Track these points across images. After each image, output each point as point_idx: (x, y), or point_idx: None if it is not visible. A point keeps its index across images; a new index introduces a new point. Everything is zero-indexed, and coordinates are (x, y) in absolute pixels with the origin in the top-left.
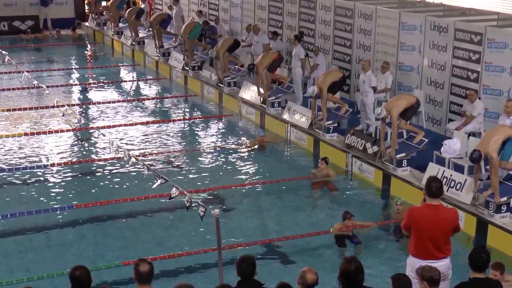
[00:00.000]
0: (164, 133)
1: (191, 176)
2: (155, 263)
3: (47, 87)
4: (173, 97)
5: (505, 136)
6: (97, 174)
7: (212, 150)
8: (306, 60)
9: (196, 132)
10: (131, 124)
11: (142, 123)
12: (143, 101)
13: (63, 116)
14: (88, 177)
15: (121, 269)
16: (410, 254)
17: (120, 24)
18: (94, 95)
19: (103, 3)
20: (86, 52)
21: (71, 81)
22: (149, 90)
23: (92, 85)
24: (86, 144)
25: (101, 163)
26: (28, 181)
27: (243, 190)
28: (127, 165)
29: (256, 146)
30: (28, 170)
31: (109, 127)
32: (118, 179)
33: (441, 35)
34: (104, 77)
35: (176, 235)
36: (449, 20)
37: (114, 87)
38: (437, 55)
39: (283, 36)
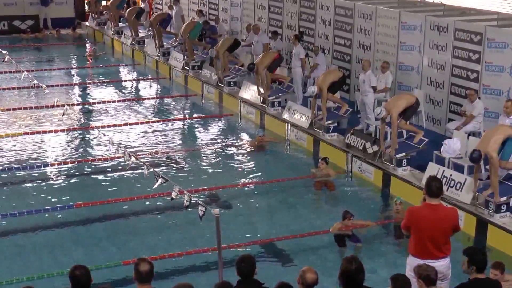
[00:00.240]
0: (164, 133)
1: (191, 175)
2: (155, 262)
3: (47, 86)
4: (173, 97)
5: (505, 136)
6: (97, 173)
7: (212, 150)
8: (306, 60)
9: (196, 131)
10: (131, 124)
11: (142, 123)
12: (143, 101)
13: (63, 115)
14: (88, 177)
15: (121, 268)
16: (410, 253)
17: (120, 23)
18: (94, 94)
19: (103, 3)
20: (86, 51)
21: (71, 81)
22: (149, 89)
23: (92, 84)
24: (86, 144)
25: (101, 162)
26: (28, 180)
27: (243, 190)
28: (127, 165)
29: (256, 146)
30: (28, 170)
31: (109, 126)
32: (118, 179)
33: (441, 35)
34: (104, 77)
35: (176, 234)
36: (449, 20)
37: (114, 86)
38: (437, 55)
39: (283, 36)
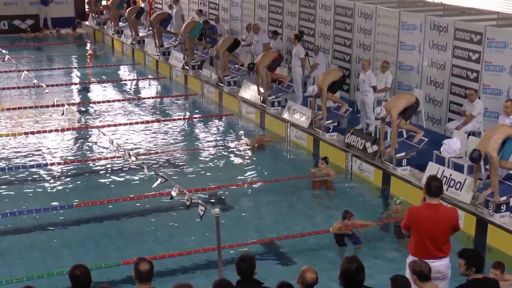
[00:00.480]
0: (164, 132)
1: (191, 175)
2: (155, 262)
3: (47, 86)
4: (173, 97)
5: (504, 135)
6: (97, 173)
7: (212, 150)
8: (306, 60)
9: (196, 131)
10: (131, 123)
11: (142, 122)
12: (143, 100)
13: (63, 115)
14: (88, 176)
15: (121, 268)
16: (410, 253)
17: (120, 23)
18: (94, 94)
19: (103, 2)
20: (86, 51)
21: (71, 80)
22: (149, 89)
23: (92, 84)
24: (86, 143)
25: (101, 162)
26: (28, 180)
27: (243, 189)
28: (127, 164)
29: (256, 146)
30: (28, 169)
31: (109, 126)
32: (118, 178)
33: (441, 35)
34: (104, 76)
35: (176, 234)
36: (449, 19)
37: (114, 86)
38: (437, 54)
39: (283, 36)
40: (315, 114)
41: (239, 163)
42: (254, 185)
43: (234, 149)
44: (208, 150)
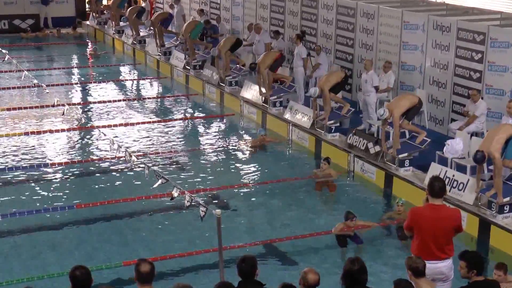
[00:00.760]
0: (165, 133)
1: (192, 176)
2: (156, 263)
3: (47, 86)
4: (174, 97)
5: (507, 135)
6: (98, 173)
7: (213, 150)
8: (308, 60)
9: (197, 131)
10: (132, 124)
11: (143, 123)
12: (144, 100)
13: (63, 115)
14: (89, 177)
15: (121, 269)
16: (413, 254)
17: (121, 23)
18: (94, 94)
19: (104, 2)
20: (87, 51)
21: (71, 80)
22: (150, 89)
23: (92, 84)
24: (86, 144)
25: (102, 162)
26: (28, 180)
27: (244, 190)
28: (128, 165)
29: (257, 146)
30: (28, 170)
31: (109, 126)
32: (119, 179)
33: (443, 35)
34: (104, 76)
35: (177, 235)
36: (451, 19)
37: (115, 86)
38: (440, 54)
39: (285, 35)
40: (317, 115)
41: (241, 163)
42: (255, 186)
43: (235, 150)
44: (209, 151)
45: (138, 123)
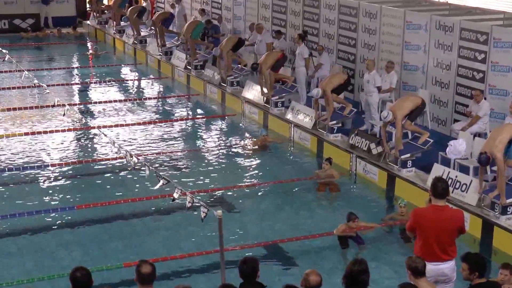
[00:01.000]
0: (166, 133)
1: (193, 176)
2: (157, 264)
3: (48, 86)
4: (175, 97)
5: (510, 135)
6: (98, 174)
7: (215, 150)
8: (310, 60)
9: (198, 132)
10: (133, 124)
11: (144, 123)
12: (145, 101)
13: (63, 115)
14: (89, 178)
15: (122, 270)
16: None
17: (121, 22)
18: (95, 94)
19: (105, 1)
20: (87, 51)
21: (72, 80)
22: (151, 89)
23: (93, 84)
24: (87, 144)
25: (103, 163)
26: (28, 181)
27: (246, 191)
28: (129, 166)
29: (259, 146)
30: (29, 170)
31: (110, 126)
32: (120, 180)
33: (446, 34)
34: (105, 76)
35: (178, 236)
36: (454, 19)
37: (115, 86)
38: (443, 54)
39: (286, 35)
40: (319, 115)
41: (242, 164)
42: (257, 187)
43: (237, 150)
44: (210, 151)
45: (139, 124)
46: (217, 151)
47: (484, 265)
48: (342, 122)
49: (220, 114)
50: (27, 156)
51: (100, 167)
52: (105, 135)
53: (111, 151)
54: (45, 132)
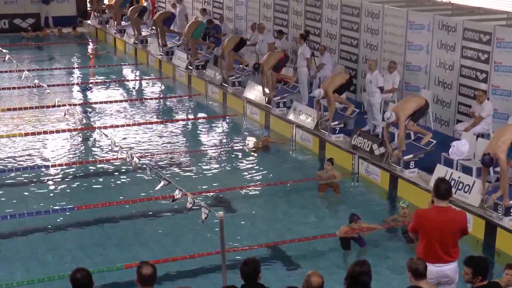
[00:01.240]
0: (167, 134)
1: (194, 177)
2: (158, 266)
3: (48, 86)
4: (176, 97)
5: None
6: (99, 175)
7: (216, 151)
8: (312, 60)
9: (199, 132)
10: (134, 124)
11: (144, 123)
12: (146, 101)
13: (64, 116)
14: (90, 178)
15: (123, 271)
16: (418, 257)
17: (122, 22)
18: (96, 94)
19: (106, 1)
20: (88, 51)
21: (72, 80)
22: (152, 89)
23: (94, 84)
24: (87, 145)
25: (103, 164)
26: (29, 182)
27: (247, 192)
28: (130, 166)
29: (260, 147)
30: (29, 171)
31: (111, 127)
32: (120, 181)
33: (449, 35)
34: (106, 76)
35: (179, 237)
36: (457, 19)
37: (116, 86)
38: (445, 54)
39: (288, 35)
40: (321, 115)
41: (243, 164)
42: (258, 188)
43: (238, 151)
44: (211, 152)
45: (139, 124)
46: (218, 152)
47: (488, 268)
48: (344, 123)
49: (222, 115)
50: (27, 157)
51: (100, 167)
52: (106, 136)
53: (112, 152)
54: (45, 133)
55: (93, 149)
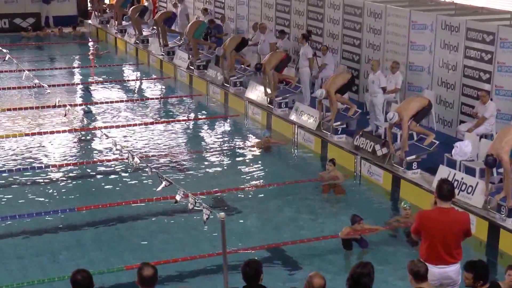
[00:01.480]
0: (168, 134)
1: (195, 178)
2: (159, 267)
3: (49, 86)
4: (177, 97)
5: None
6: (100, 176)
7: (217, 152)
8: (314, 60)
9: (201, 133)
10: (135, 125)
11: (145, 124)
12: (147, 101)
13: (65, 116)
14: (90, 179)
15: (124, 273)
16: (421, 259)
17: (123, 22)
18: (96, 94)
19: (106, 1)
20: (88, 50)
21: (73, 80)
22: (153, 89)
23: (94, 84)
24: (88, 145)
25: (104, 164)
26: (29, 182)
27: (249, 193)
28: (131, 167)
29: (262, 148)
30: (29, 171)
31: (112, 127)
32: (121, 181)
33: (452, 35)
34: (107, 76)
35: (180, 238)
36: (460, 19)
37: (117, 86)
38: (448, 55)
39: (290, 35)
40: (323, 116)
41: (245, 165)
42: (260, 189)
43: (240, 151)
44: (213, 152)
45: (140, 124)
46: (220, 153)
47: (488, 273)
48: (347, 123)
49: (223, 115)
50: (28, 157)
51: (101, 168)
52: (107, 136)
53: (113, 152)
54: (46, 133)
55: (94, 149)
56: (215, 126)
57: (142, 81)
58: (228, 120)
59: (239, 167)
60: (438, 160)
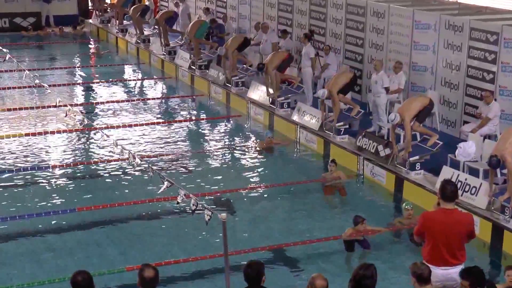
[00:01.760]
0: (169, 134)
1: (197, 178)
2: (160, 268)
3: (49, 86)
4: (179, 97)
5: None
6: (101, 176)
7: (219, 152)
8: (317, 60)
9: (202, 133)
10: (136, 125)
11: (147, 124)
12: (148, 101)
13: (65, 116)
14: (91, 180)
15: (125, 274)
16: (424, 260)
17: (124, 21)
18: (97, 94)
19: (108, 0)
20: (89, 50)
21: (73, 80)
22: (155, 89)
23: (95, 84)
24: (89, 145)
25: (105, 165)
26: (29, 183)
27: (251, 194)
28: (132, 167)
29: (264, 148)
30: (29, 172)
31: (113, 127)
32: (122, 182)
33: (456, 34)
34: (108, 76)
35: (182, 239)
36: (464, 18)
37: (118, 86)
38: (452, 55)
39: (292, 35)
40: (326, 116)
41: (247, 166)
42: (262, 189)
43: (242, 152)
44: (215, 153)
45: (141, 124)
46: (222, 153)
47: (484, 279)
48: (349, 124)
49: (225, 115)
50: (28, 157)
51: (102, 168)
52: (108, 136)
53: (114, 152)
54: (46, 133)
55: (95, 149)
56: (217, 127)
57: (143, 81)
58: (230, 121)
59: (241, 167)
60: (441, 161)
